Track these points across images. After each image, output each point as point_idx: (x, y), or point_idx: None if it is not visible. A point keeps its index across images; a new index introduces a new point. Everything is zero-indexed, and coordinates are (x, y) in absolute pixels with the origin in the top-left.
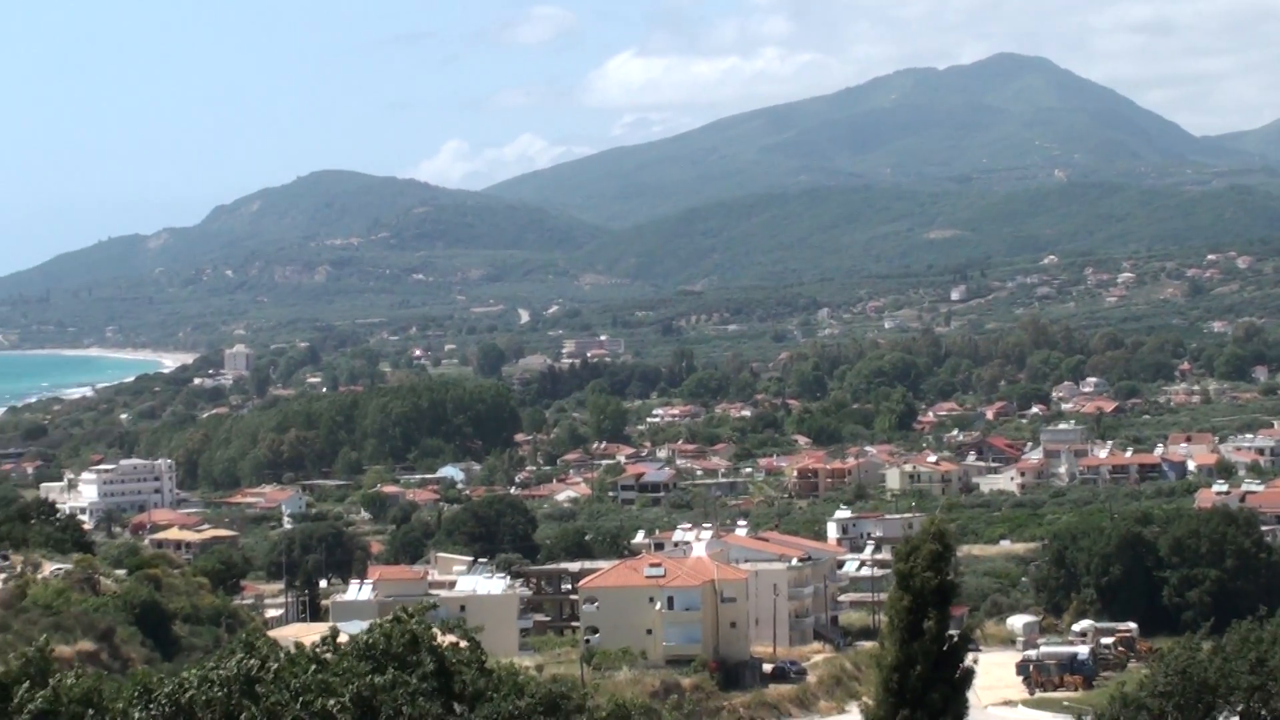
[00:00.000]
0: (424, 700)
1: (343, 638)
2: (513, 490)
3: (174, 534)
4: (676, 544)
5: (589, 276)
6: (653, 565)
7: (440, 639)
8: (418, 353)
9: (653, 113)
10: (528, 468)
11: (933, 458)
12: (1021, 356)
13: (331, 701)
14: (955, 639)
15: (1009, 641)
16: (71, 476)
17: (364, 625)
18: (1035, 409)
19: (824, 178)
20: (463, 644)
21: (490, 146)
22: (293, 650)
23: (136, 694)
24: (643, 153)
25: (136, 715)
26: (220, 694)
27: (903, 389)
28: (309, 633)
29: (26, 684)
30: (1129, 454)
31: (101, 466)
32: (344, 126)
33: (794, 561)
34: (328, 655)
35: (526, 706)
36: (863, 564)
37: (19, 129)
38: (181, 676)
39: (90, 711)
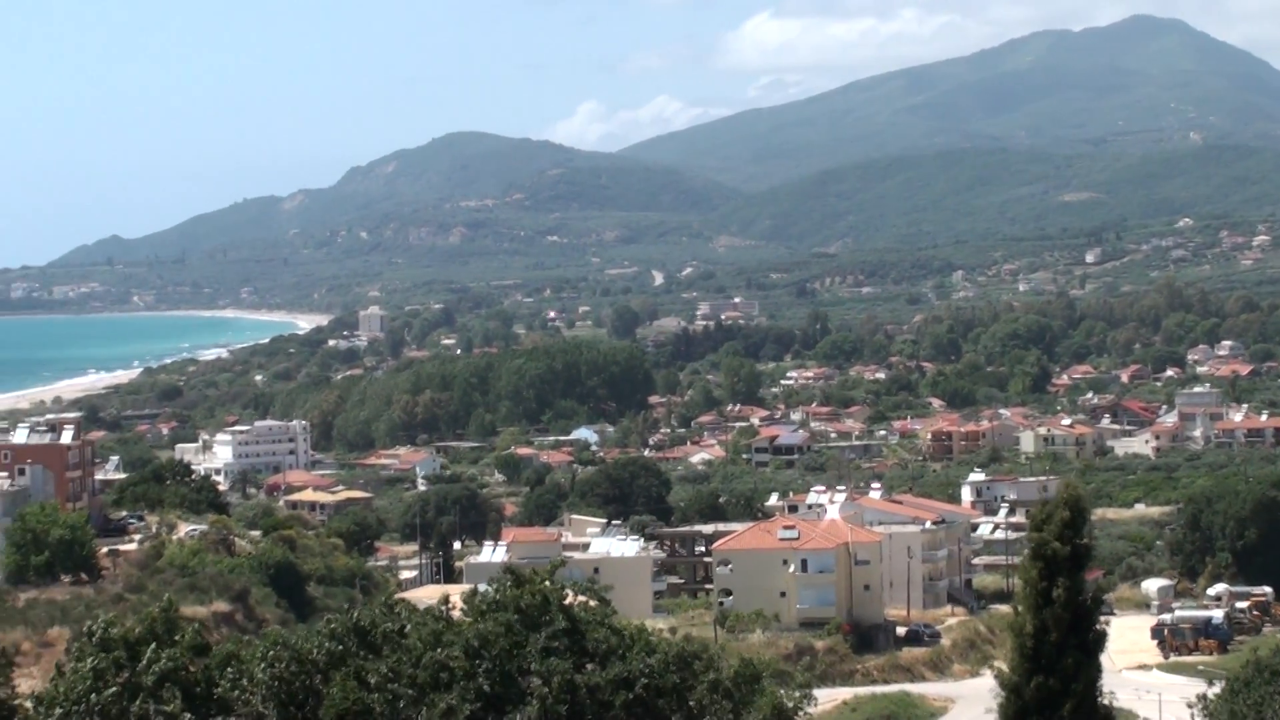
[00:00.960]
0: (555, 658)
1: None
2: (647, 452)
3: (308, 495)
4: (810, 506)
5: (723, 238)
6: (786, 528)
7: (571, 599)
8: (552, 315)
9: (789, 74)
10: (662, 430)
11: (1067, 421)
12: (1156, 319)
13: (443, 652)
14: (1088, 604)
15: (1144, 605)
16: (207, 438)
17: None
18: (1170, 372)
19: (959, 140)
20: (593, 604)
21: (625, 108)
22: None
23: (263, 652)
24: (778, 114)
25: (261, 671)
26: (339, 648)
27: (1037, 352)
28: (442, 594)
29: (153, 644)
30: (1265, 417)
31: (237, 428)
32: (480, 88)
33: (928, 524)
34: (455, 613)
35: (658, 664)
36: (996, 527)
37: (157, 90)
38: (303, 633)
39: (219, 670)
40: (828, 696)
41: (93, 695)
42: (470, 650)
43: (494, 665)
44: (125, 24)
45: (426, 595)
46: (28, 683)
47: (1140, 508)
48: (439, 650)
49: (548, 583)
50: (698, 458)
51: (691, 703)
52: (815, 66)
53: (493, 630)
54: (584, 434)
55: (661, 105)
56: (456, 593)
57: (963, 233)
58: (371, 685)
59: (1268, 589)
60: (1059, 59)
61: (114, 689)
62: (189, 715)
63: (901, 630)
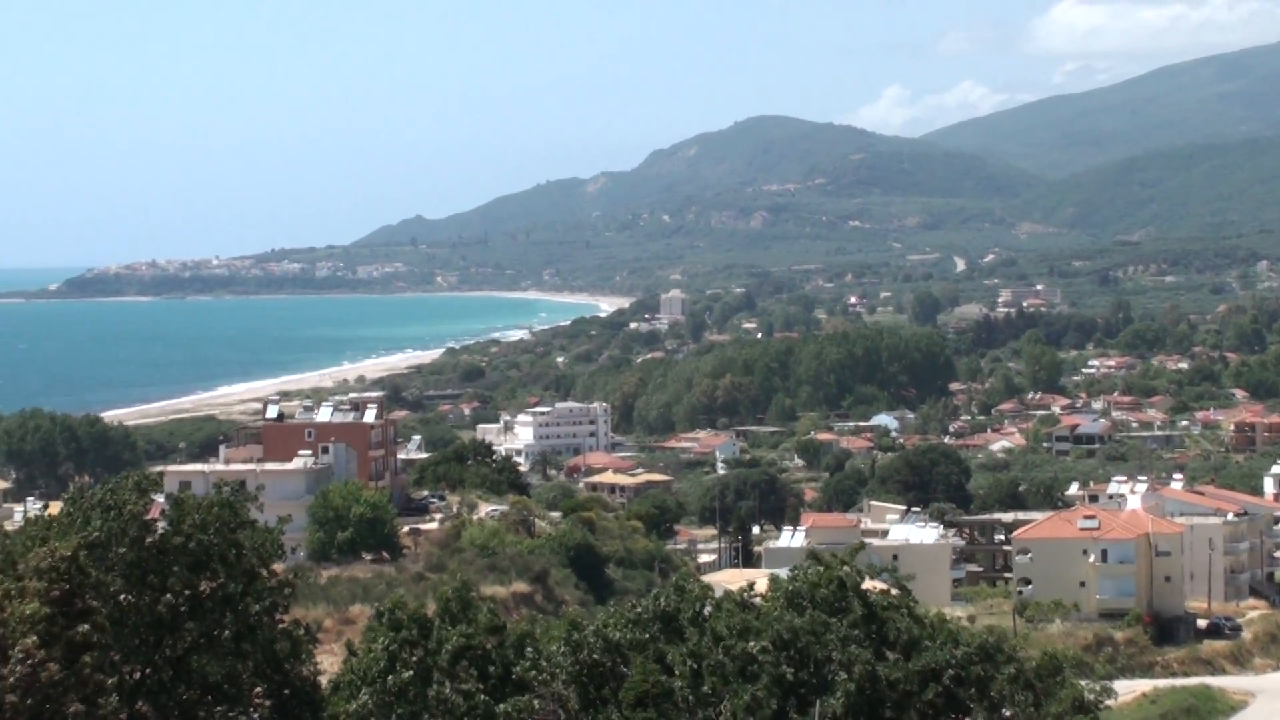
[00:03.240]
0: (855, 646)
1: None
2: (946, 439)
3: (608, 477)
4: (1111, 496)
5: (1026, 225)
6: (1087, 517)
7: (869, 586)
8: (853, 300)
9: (1096, 60)
10: (962, 417)
11: None
12: None
13: (752, 644)
14: None
15: None
16: (508, 418)
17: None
18: None
19: (1267, 128)
20: (894, 592)
21: (931, 93)
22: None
23: (565, 634)
24: (1084, 100)
25: (560, 653)
26: (644, 635)
27: None
28: (741, 579)
29: (447, 623)
30: None
31: (538, 409)
32: (784, 71)
33: (1230, 516)
34: (755, 599)
35: (962, 656)
36: None
37: (460, 73)
38: (605, 616)
39: (516, 650)
40: (1126, 688)
41: (389, 677)
42: (779, 642)
43: (798, 654)
44: (432, 10)
45: (725, 579)
46: (329, 660)
47: None
48: (749, 642)
49: (847, 568)
50: (998, 445)
51: (993, 694)
52: (1123, 52)
53: (803, 624)
54: (884, 420)
55: (967, 90)
56: (759, 578)
57: (1269, 222)
58: (675, 671)
59: None
60: None
61: (410, 671)
62: (484, 696)
63: (1202, 623)
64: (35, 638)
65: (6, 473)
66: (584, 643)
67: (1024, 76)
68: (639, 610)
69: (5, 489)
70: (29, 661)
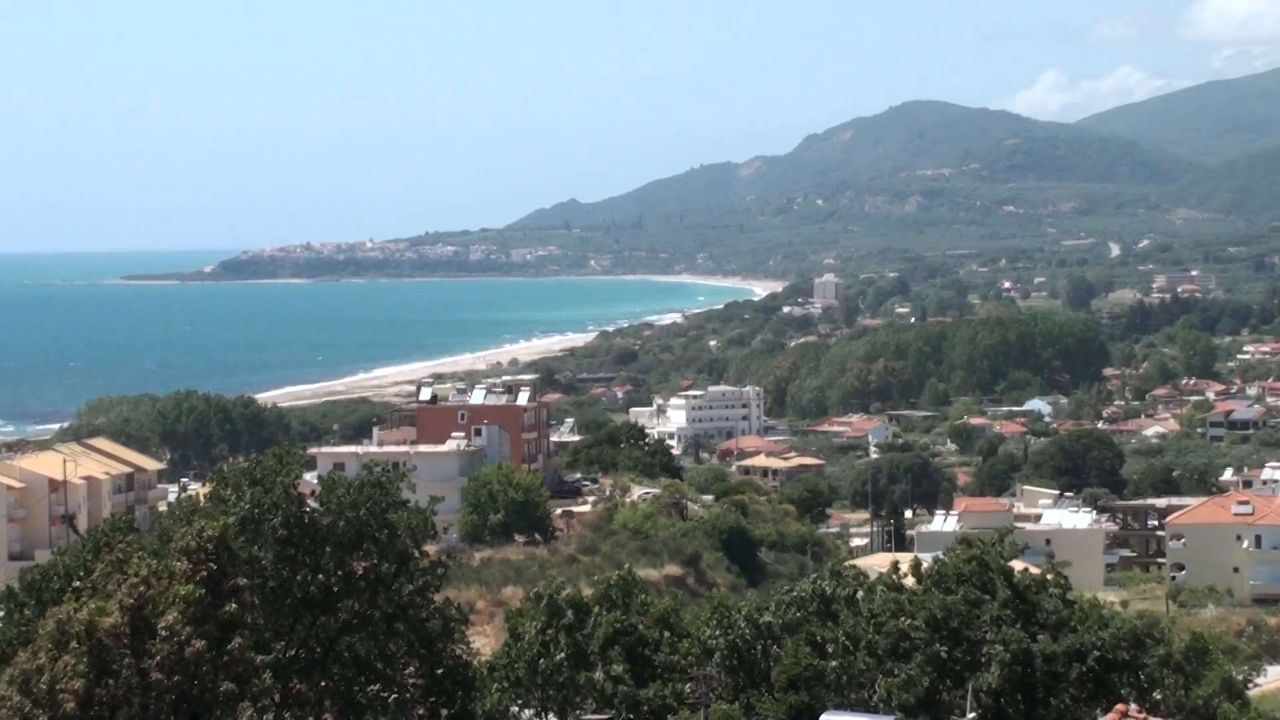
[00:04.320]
0: (1006, 626)
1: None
2: (1100, 424)
3: (761, 461)
4: (1265, 482)
5: (1181, 211)
6: (1241, 503)
7: (1020, 570)
8: (1007, 285)
9: (1254, 45)
10: (1115, 402)
11: None
12: None
13: (905, 621)
14: None
15: None
16: (660, 402)
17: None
18: None
19: None
20: (1049, 576)
21: (1087, 78)
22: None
23: (714, 617)
24: (1242, 86)
25: (709, 635)
26: (797, 616)
27: None
28: (892, 561)
29: (603, 608)
30: None
31: (690, 392)
32: (939, 56)
33: None
34: (906, 580)
35: (1110, 638)
36: None
37: (615, 57)
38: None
39: (667, 633)
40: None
41: (541, 661)
42: (932, 621)
43: (951, 634)
44: None
45: (877, 563)
46: (481, 640)
47: None
48: (902, 620)
49: (996, 551)
50: (1151, 431)
51: (1143, 677)
52: None
53: (955, 604)
54: (1037, 405)
55: (1124, 76)
56: (904, 559)
57: None
58: (828, 652)
59: None
60: None
61: (561, 655)
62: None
63: None
64: (177, 614)
65: (161, 454)
66: (734, 625)
67: (1181, 62)
68: (794, 594)
69: (160, 470)
70: (174, 639)
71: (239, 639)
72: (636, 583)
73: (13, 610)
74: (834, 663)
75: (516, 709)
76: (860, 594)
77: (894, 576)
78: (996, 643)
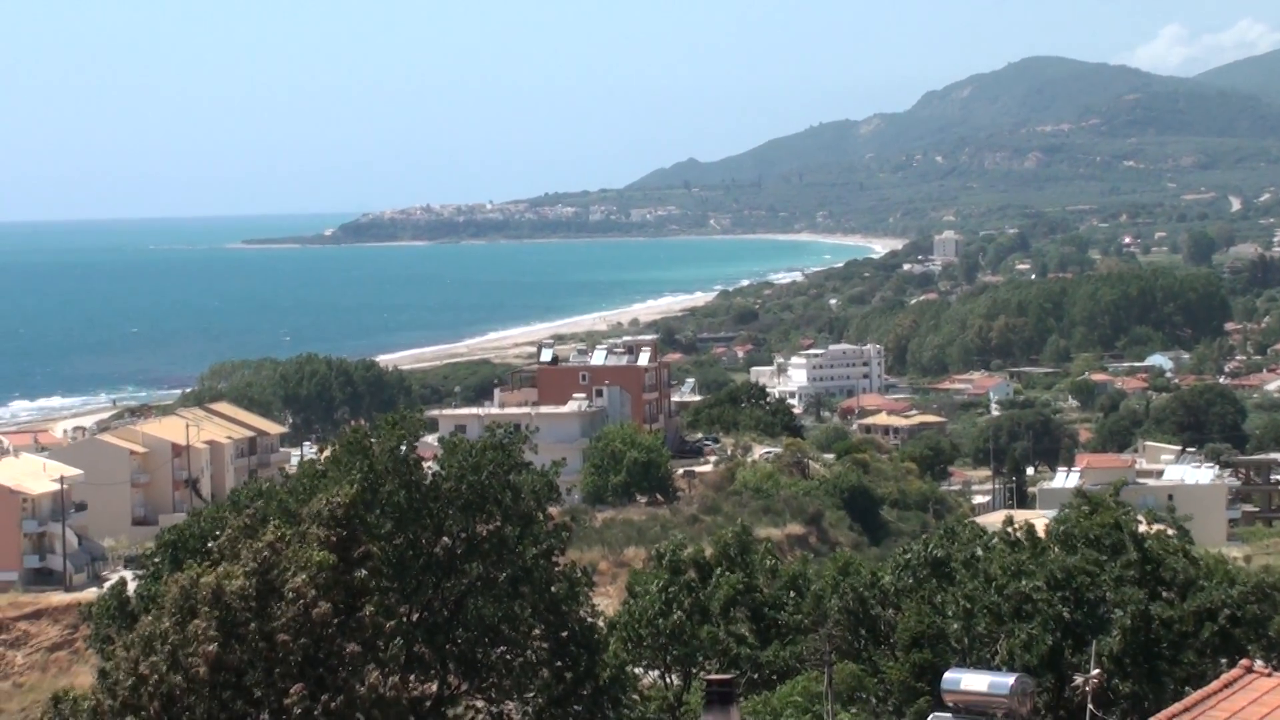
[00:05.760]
0: (1129, 586)
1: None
2: (1222, 379)
3: (882, 419)
4: None
5: None
6: None
7: (1144, 527)
8: (1127, 240)
9: None
10: (1237, 357)
11: None
12: None
13: (1025, 583)
14: None
15: None
16: (781, 360)
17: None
18: None
19: None
20: (1170, 532)
21: (1208, 32)
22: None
23: (835, 578)
24: None
25: (829, 600)
26: (910, 580)
27: None
28: (1006, 516)
29: (724, 567)
30: None
31: (811, 351)
32: (1059, 10)
33: None
34: (1023, 539)
35: (1239, 595)
36: None
37: (735, 16)
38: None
39: (790, 593)
40: None
41: (660, 620)
42: (1053, 582)
43: (1073, 594)
44: None
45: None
46: (604, 602)
47: None
48: (1022, 581)
49: (1119, 509)
50: (1274, 385)
51: (1270, 633)
52: None
53: (1078, 564)
54: (1158, 360)
55: (1245, 29)
56: (1021, 517)
57: None
58: (948, 613)
59: None
60: None
61: (679, 614)
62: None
63: None
64: (306, 576)
65: (283, 417)
66: (854, 587)
67: None
68: (908, 556)
69: (282, 433)
70: (299, 601)
71: (369, 606)
72: (753, 539)
73: (148, 573)
74: (955, 624)
75: (641, 670)
76: (980, 552)
77: (1010, 533)
78: (1117, 604)
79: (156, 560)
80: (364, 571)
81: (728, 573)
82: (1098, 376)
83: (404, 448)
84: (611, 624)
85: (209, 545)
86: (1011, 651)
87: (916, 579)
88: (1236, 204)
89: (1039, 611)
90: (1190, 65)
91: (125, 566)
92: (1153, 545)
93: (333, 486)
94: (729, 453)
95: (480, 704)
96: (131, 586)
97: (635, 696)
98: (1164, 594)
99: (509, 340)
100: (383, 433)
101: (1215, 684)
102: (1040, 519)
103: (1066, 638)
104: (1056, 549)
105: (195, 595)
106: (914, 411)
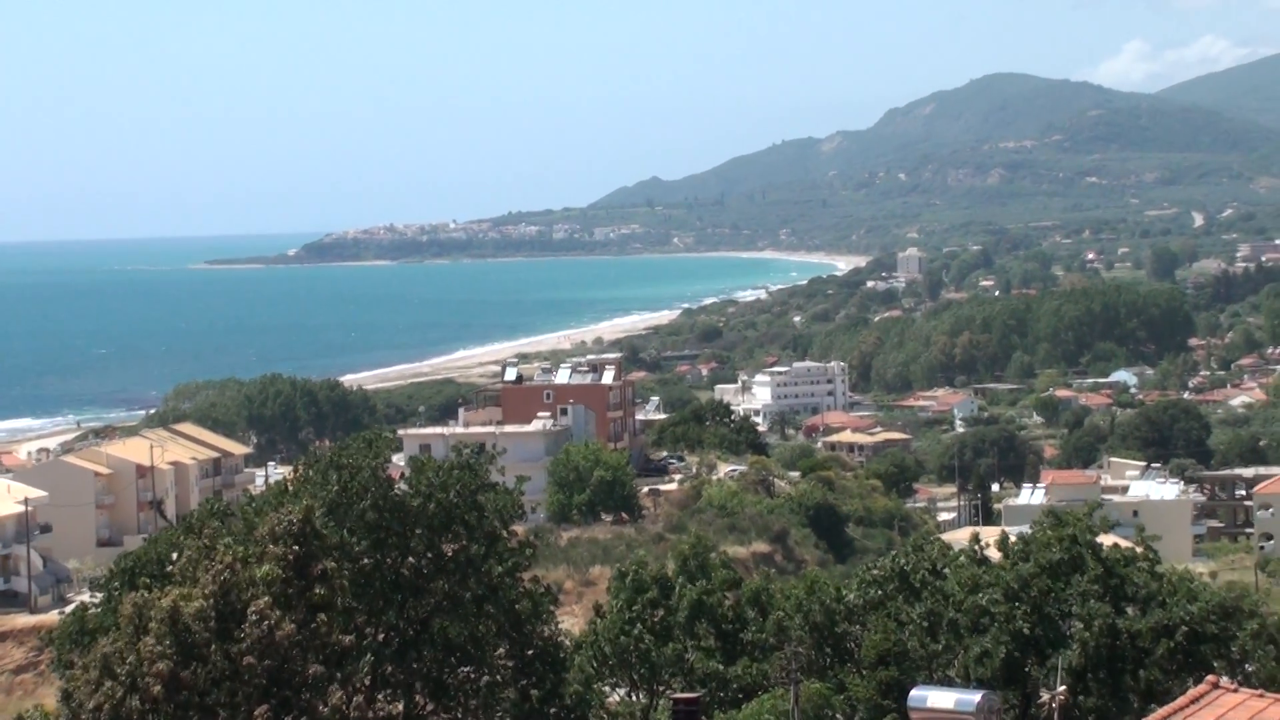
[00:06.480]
0: (1094, 601)
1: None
2: (1186, 395)
3: (847, 436)
4: None
5: (1264, 180)
6: None
7: (1107, 543)
8: (1090, 256)
9: None
10: (1201, 372)
11: None
12: None
13: (982, 596)
14: None
15: None
16: (746, 378)
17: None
18: None
19: None
20: (1139, 549)
21: (1170, 48)
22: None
23: (803, 594)
24: None
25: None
26: (877, 595)
27: None
28: (973, 534)
29: (683, 580)
30: None
31: (775, 369)
32: (1021, 27)
33: None
34: (989, 555)
35: (1199, 611)
36: None
37: (693, 34)
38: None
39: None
40: None
41: (623, 637)
42: (1009, 593)
43: (1032, 609)
44: None
45: (964, 537)
46: (570, 620)
47: None
48: (979, 594)
49: (1084, 525)
50: (1238, 401)
51: (1234, 650)
52: None
53: (1031, 572)
54: (1123, 376)
55: (1207, 45)
56: (986, 533)
57: None
58: (909, 630)
59: None
60: None
61: (641, 629)
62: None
63: None
64: (269, 597)
65: (247, 438)
66: (818, 604)
67: (1265, 30)
68: (874, 571)
69: (246, 454)
70: (264, 623)
71: (324, 620)
72: (712, 549)
73: (103, 597)
74: (913, 640)
75: (607, 689)
76: (946, 569)
77: (975, 549)
78: (1079, 618)
79: (115, 586)
80: (323, 589)
81: (687, 586)
82: (1062, 393)
83: (374, 464)
84: (577, 644)
85: (167, 569)
86: (967, 666)
87: (884, 594)
88: (1199, 219)
89: (996, 624)
90: (1153, 81)
91: (89, 589)
92: (1112, 557)
93: (288, 504)
94: (694, 471)
95: None
96: (92, 610)
97: (602, 715)
98: (1127, 609)
99: (473, 359)
100: (358, 451)
101: (1183, 699)
102: (1011, 535)
103: (1025, 652)
104: (1014, 563)
105: (147, 614)
106: (878, 429)
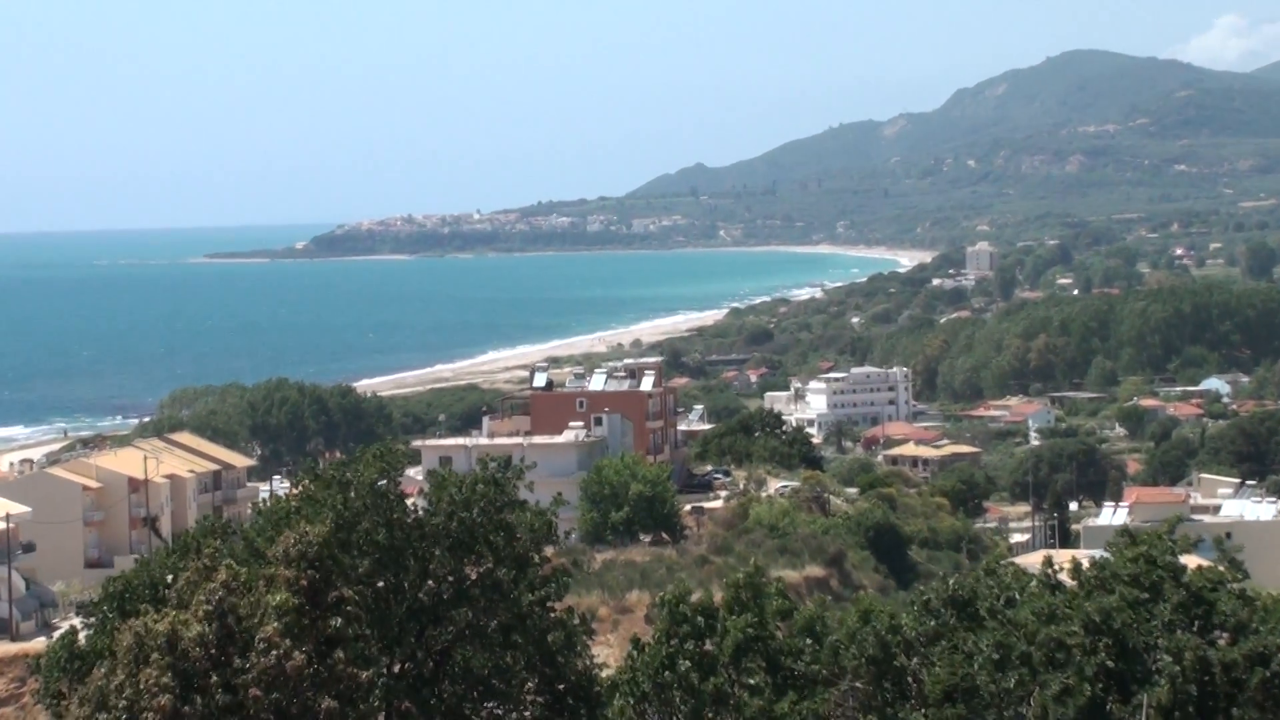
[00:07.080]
0: (1179, 631)
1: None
2: None
3: (910, 449)
4: None
5: None
6: None
7: (1193, 566)
8: (1179, 251)
9: None
10: None
11: None
12: None
13: (1059, 628)
14: None
15: None
16: (799, 385)
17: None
18: None
19: None
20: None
21: (1269, 21)
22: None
23: (854, 626)
24: None
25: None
26: (932, 624)
27: None
28: (1045, 556)
29: (736, 611)
30: None
31: (831, 375)
32: (1103, 0)
33: None
34: (1064, 578)
35: None
36: None
37: (743, 8)
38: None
39: (806, 638)
40: None
41: (665, 672)
42: (1090, 626)
43: (1115, 641)
44: None
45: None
46: (605, 651)
47: None
48: (1053, 626)
49: (1166, 545)
50: None
51: None
52: None
53: (1115, 604)
54: (1215, 384)
55: None
56: (1059, 556)
57: None
58: (977, 664)
59: None
60: None
61: (686, 664)
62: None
63: None
64: (278, 624)
65: (251, 449)
66: (872, 634)
67: None
68: (927, 597)
69: (249, 466)
70: (272, 653)
71: (342, 655)
72: (766, 579)
73: (94, 623)
74: (983, 676)
75: None
76: (1018, 596)
77: (1049, 575)
78: (1167, 651)
79: (105, 610)
80: (339, 620)
81: (735, 618)
82: (1147, 402)
83: (384, 482)
84: (612, 682)
85: (162, 592)
86: (1044, 704)
87: (942, 624)
88: None
89: (1074, 660)
90: (1248, 59)
91: (77, 613)
92: (1196, 581)
93: (303, 524)
94: (741, 487)
95: None
96: (83, 636)
97: None
98: (1218, 638)
99: (499, 364)
100: (362, 465)
101: None
102: (1086, 559)
103: (1110, 689)
104: (1091, 591)
105: (149, 644)
106: (945, 441)
